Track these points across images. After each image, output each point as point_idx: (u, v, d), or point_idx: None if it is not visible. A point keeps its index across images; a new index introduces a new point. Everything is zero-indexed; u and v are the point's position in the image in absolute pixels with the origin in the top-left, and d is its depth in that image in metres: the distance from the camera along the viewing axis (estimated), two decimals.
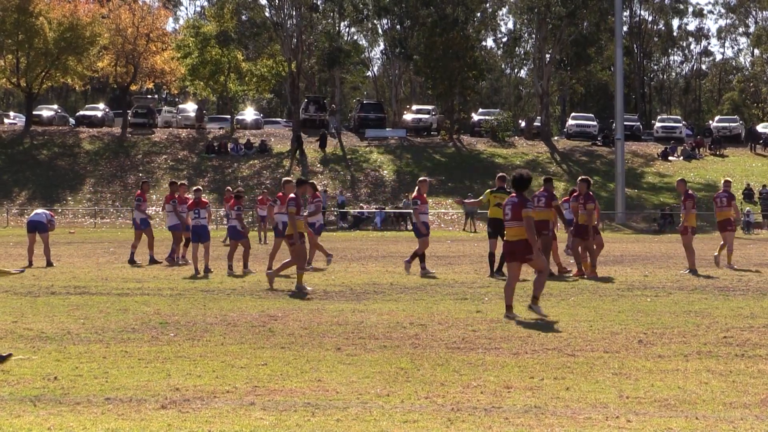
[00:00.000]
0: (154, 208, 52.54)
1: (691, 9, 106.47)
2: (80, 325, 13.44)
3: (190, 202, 23.60)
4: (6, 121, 77.90)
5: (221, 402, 8.65)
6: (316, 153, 66.19)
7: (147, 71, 75.40)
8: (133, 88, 78.55)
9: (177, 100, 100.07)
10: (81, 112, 78.43)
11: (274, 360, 10.65)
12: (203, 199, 23.51)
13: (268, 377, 9.71)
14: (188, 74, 72.16)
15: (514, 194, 14.65)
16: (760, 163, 65.24)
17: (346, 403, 8.57)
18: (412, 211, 22.69)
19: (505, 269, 21.36)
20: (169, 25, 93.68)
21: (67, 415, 8.17)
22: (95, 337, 12.39)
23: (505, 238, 14.74)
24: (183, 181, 27.97)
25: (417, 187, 22.38)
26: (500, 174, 22.61)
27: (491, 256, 21.55)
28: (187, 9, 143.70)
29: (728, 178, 25.69)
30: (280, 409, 8.35)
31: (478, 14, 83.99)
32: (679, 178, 24.80)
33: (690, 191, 23.33)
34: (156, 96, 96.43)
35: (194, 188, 24.05)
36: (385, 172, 63.44)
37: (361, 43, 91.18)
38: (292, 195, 18.97)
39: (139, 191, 26.91)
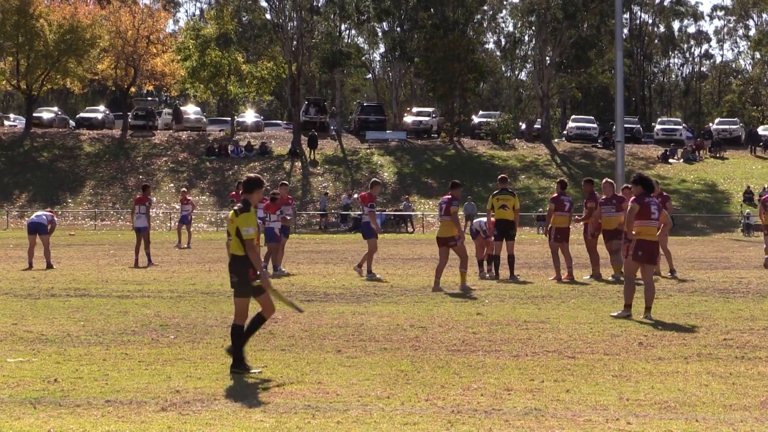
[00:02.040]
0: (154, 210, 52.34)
1: (690, 11, 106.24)
2: (80, 328, 13.43)
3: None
4: (6, 123, 77.76)
5: (221, 404, 8.65)
6: (319, 155, 66.14)
7: (147, 73, 75.35)
8: (133, 90, 78.49)
9: (177, 102, 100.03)
10: (81, 114, 78.38)
11: (274, 362, 10.64)
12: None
13: (268, 379, 9.71)
14: (188, 76, 72.14)
15: (647, 195, 14.27)
16: (760, 166, 65.22)
17: (347, 405, 8.57)
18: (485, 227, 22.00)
19: (497, 270, 21.45)
20: (169, 27, 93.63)
21: (67, 418, 8.17)
22: (95, 339, 12.39)
23: (641, 238, 14.11)
24: (284, 182, 27.17)
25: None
26: (501, 176, 22.24)
27: (497, 258, 21.44)
28: (187, 11, 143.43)
29: None
30: (281, 411, 8.36)
31: (478, 16, 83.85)
32: (605, 179, 22.20)
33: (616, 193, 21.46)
34: (156, 98, 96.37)
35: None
36: (386, 174, 63.42)
37: (361, 45, 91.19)
38: (448, 196, 18.95)
39: (233, 193, 25.62)
